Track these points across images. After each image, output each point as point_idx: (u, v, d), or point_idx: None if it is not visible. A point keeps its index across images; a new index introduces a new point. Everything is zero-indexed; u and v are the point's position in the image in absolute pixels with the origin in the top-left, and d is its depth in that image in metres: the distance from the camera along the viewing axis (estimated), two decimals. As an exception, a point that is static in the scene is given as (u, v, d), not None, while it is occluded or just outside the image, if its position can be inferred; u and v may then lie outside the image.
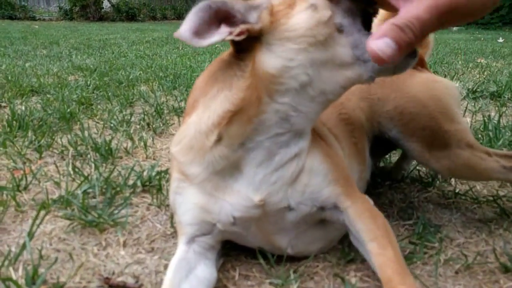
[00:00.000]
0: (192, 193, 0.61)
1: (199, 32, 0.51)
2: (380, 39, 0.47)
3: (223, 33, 0.52)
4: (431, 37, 0.96)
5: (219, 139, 0.57)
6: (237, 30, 0.52)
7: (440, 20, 0.46)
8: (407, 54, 0.52)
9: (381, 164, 1.14)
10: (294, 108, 0.57)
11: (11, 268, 0.63)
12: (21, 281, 0.60)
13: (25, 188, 0.92)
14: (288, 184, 0.60)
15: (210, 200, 0.60)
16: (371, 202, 0.68)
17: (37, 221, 0.73)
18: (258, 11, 0.54)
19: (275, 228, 0.63)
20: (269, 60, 0.54)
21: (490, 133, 1.33)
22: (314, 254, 0.70)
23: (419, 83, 0.85)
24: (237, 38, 0.52)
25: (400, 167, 1.06)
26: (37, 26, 8.59)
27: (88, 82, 2.22)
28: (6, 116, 1.50)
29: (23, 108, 1.63)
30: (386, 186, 1.02)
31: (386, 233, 0.61)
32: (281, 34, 0.54)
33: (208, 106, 0.58)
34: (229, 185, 0.60)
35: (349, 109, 0.82)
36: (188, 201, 0.61)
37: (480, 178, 0.88)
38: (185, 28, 0.50)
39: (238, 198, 0.59)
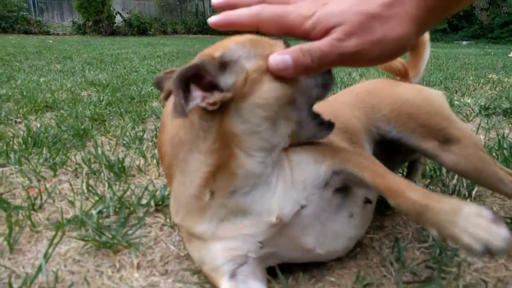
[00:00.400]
0: (211, 243, 0.62)
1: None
2: (282, 55, 0.53)
3: (196, 98, 0.52)
4: (422, 64, 0.99)
5: (212, 194, 0.59)
6: (211, 99, 0.53)
7: (342, 59, 0.51)
8: (325, 127, 0.65)
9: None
10: (271, 149, 0.60)
11: (26, 291, 0.63)
12: (37, 305, 0.60)
13: (40, 207, 0.93)
14: (290, 189, 0.62)
15: (230, 240, 0.61)
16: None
17: (53, 242, 0.73)
18: (233, 77, 0.55)
19: (299, 229, 0.64)
20: (236, 124, 0.56)
21: (505, 152, 1.31)
22: (340, 257, 0.72)
23: (410, 89, 0.89)
24: (210, 108, 0.53)
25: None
26: (51, 41, 8.79)
27: (101, 98, 2.25)
28: (22, 133, 1.53)
29: (38, 124, 1.66)
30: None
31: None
32: (252, 101, 0.56)
33: (184, 170, 0.60)
34: (241, 221, 0.61)
35: (345, 119, 0.84)
36: (212, 250, 0.62)
37: (486, 182, 0.83)
38: (176, 110, 0.50)
39: (256, 226, 0.60)
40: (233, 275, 0.62)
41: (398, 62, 0.95)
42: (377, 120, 0.85)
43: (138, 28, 14.83)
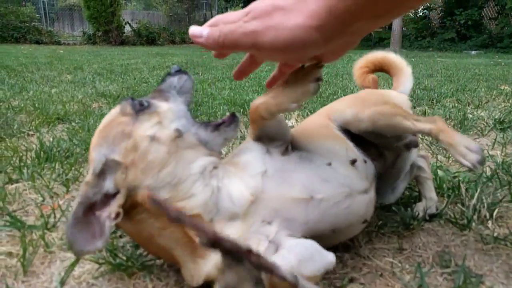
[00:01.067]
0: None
1: (86, 236, 0.58)
2: (202, 27, 0.60)
3: (108, 220, 0.60)
4: (406, 83, 1.19)
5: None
6: (113, 212, 0.60)
7: (243, 38, 0.56)
8: (227, 126, 0.73)
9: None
10: (200, 174, 0.67)
11: (40, 317, 0.62)
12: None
13: (54, 225, 0.92)
14: (242, 172, 0.72)
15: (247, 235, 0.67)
16: None
17: (68, 265, 0.72)
18: (112, 176, 0.62)
19: (279, 184, 0.73)
20: (162, 191, 0.64)
21: (524, 169, 1.28)
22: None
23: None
24: (118, 219, 0.61)
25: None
26: (62, 51, 8.91)
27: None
28: (34, 146, 1.53)
29: (51, 138, 1.66)
30: (417, 226, 0.98)
31: None
32: (145, 172, 0.63)
33: None
34: (237, 223, 0.67)
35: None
36: None
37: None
38: (75, 247, 0.57)
39: (249, 216, 0.68)
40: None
41: (371, 77, 1.23)
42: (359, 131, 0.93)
43: (147, 37, 15.01)
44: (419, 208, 1.02)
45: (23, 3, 16.14)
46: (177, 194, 0.63)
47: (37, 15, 15.75)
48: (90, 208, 0.60)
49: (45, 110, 2.22)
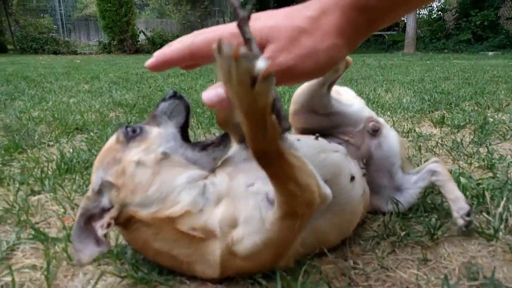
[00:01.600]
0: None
1: (88, 243, 0.68)
2: (213, 89, 0.55)
3: (97, 230, 0.69)
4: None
5: None
6: (105, 223, 0.69)
7: (277, 76, 0.51)
8: (216, 146, 0.79)
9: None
10: (188, 185, 0.74)
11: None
12: None
13: (76, 238, 0.93)
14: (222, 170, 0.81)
15: None
16: None
17: (92, 279, 0.72)
18: (107, 194, 0.72)
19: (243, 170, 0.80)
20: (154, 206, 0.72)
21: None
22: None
23: None
24: (112, 223, 0.70)
25: None
26: (78, 61, 9.10)
27: (129, 119, 2.29)
28: (55, 157, 1.56)
29: (70, 149, 1.69)
30: (441, 236, 0.95)
31: None
32: (134, 192, 0.71)
33: None
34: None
35: None
36: None
37: None
38: (79, 253, 0.67)
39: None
40: None
41: None
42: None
43: (161, 45, 14.95)
44: (454, 215, 0.96)
45: (42, 14, 16.58)
46: (165, 205, 0.71)
47: (54, 26, 16.16)
48: (89, 219, 0.70)
49: (64, 120, 2.26)
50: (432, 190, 1.22)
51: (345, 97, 1.12)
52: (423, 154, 1.61)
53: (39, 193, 1.20)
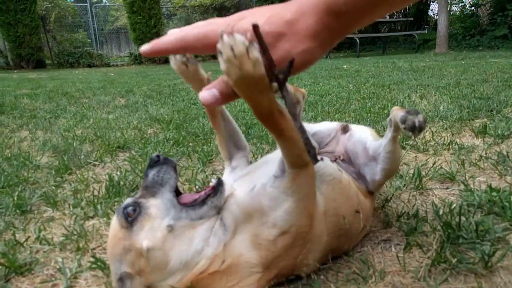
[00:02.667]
0: None
1: None
2: (209, 89, 0.59)
3: None
4: None
5: None
6: None
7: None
8: (206, 199, 0.79)
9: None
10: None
11: None
12: None
13: (132, 265, 0.97)
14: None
15: None
16: None
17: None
18: (130, 283, 0.73)
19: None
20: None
21: None
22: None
23: None
24: None
25: None
26: (112, 74, 9.43)
27: (167, 136, 2.36)
28: (102, 178, 1.64)
29: (116, 171, 1.76)
30: (495, 264, 0.93)
31: None
32: (154, 273, 0.74)
33: None
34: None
35: None
36: None
37: None
38: None
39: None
40: None
41: None
42: None
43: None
44: (399, 125, 0.98)
45: (76, 29, 17.33)
46: (190, 267, 0.75)
47: (88, 40, 16.84)
48: None
49: (106, 138, 2.36)
50: (481, 210, 1.19)
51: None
52: (467, 169, 1.57)
53: (92, 217, 1.27)
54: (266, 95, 0.63)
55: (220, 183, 0.81)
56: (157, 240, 0.73)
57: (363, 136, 1.19)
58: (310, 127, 1.26)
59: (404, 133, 0.96)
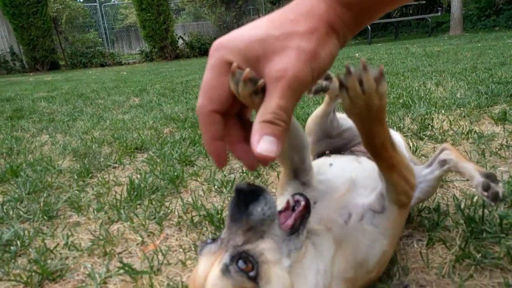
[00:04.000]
0: None
1: None
2: (261, 140, 0.47)
3: None
4: None
5: None
6: None
7: (296, 96, 0.48)
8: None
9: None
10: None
11: None
12: None
13: (158, 269, 1.00)
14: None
15: None
16: None
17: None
18: None
19: None
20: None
21: None
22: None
23: None
24: None
25: None
26: (125, 73, 9.53)
27: (183, 135, 2.38)
28: (122, 181, 1.67)
29: (136, 174, 1.79)
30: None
31: None
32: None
33: None
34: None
35: None
36: None
37: None
38: None
39: None
40: None
41: None
42: None
43: (199, 49, 15.53)
44: (477, 189, 0.92)
45: (87, 29, 17.52)
46: None
47: (99, 39, 17.01)
48: None
49: (123, 140, 2.40)
50: (505, 202, 1.17)
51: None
52: (487, 159, 1.54)
53: (116, 221, 1.30)
54: (384, 126, 0.63)
55: (308, 201, 0.69)
56: (285, 284, 0.60)
57: (399, 145, 1.13)
58: (347, 121, 1.16)
59: (484, 199, 0.91)
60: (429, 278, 0.89)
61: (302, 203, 0.68)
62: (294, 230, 0.65)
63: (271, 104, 0.47)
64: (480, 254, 0.93)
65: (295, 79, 0.47)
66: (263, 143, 0.47)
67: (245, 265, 0.58)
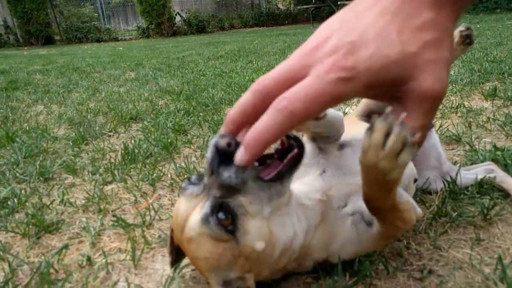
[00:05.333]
0: None
1: None
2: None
3: None
4: None
5: None
6: None
7: (436, 111, 0.46)
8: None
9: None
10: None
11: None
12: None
13: (150, 224, 1.04)
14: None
15: None
16: None
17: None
18: (235, 283, 0.64)
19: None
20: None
21: None
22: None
23: None
24: None
25: None
26: (121, 48, 9.42)
27: (178, 107, 2.40)
28: (117, 147, 1.71)
29: (130, 141, 1.82)
30: (494, 217, 0.97)
31: None
32: (261, 266, 0.66)
33: None
34: None
35: None
36: None
37: None
38: None
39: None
40: None
41: None
42: None
43: (197, 26, 15.32)
44: None
45: (83, 3, 17.18)
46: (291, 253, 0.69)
47: (95, 14, 16.72)
48: None
49: (119, 110, 2.42)
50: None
51: None
52: (473, 131, 1.59)
53: (111, 183, 1.34)
54: (391, 196, 0.61)
55: (303, 149, 0.64)
56: (266, 236, 0.63)
57: (438, 145, 1.16)
58: None
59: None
60: (406, 234, 0.94)
61: (295, 150, 0.63)
62: (279, 177, 0.63)
63: (416, 123, 0.45)
64: (456, 213, 0.98)
65: (440, 94, 0.43)
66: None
67: (225, 216, 0.60)
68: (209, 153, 0.59)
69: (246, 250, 0.62)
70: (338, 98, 0.43)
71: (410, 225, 0.74)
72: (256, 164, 0.63)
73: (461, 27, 1.01)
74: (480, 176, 1.10)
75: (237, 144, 0.53)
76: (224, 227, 0.60)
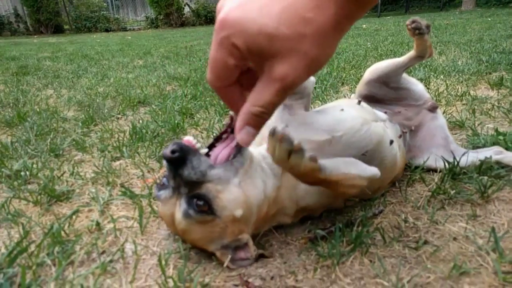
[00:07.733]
0: None
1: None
2: (242, 130, 0.54)
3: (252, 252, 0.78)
4: None
5: None
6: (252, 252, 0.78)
7: (288, 95, 0.50)
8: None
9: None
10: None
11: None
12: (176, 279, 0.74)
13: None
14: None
15: None
16: None
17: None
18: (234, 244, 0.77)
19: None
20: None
21: None
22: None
23: None
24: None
25: None
26: (130, 37, 9.46)
27: (185, 92, 2.44)
28: (126, 128, 1.75)
29: (138, 122, 1.86)
30: (492, 195, 0.99)
31: None
32: (247, 225, 0.78)
33: None
34: None
35: None
36: None
37: None
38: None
39: None
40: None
41: None
42: None
43: (206, 17, 15.29)
44: None
45: (92, -7, 17.21)
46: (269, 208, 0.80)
47: (104, 4, 16.75)
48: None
49: (127, 95, 2.46)
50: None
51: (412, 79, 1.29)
52: (477, 117, 1.60)
53: (119, 159, 1.38)
54: (315, 177, 0.71)
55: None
56: (242, 202, 0.72)
57: (445, 126, 1.22)
58: (408, 80, 1.25)
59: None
60: (405, 209, 0.97)
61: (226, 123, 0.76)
62: (237, 152, 0.73)
63: (264, 98, 0.50)
64: (454, 191, 1.00)
65: (293, 83, 0.48)
66: (243, 133, 0.54)
67: (201, 203, 0.71)
68: (164, 162, 0.74)
69: (229, 220, 0.72)
70: (225, 59, 0.48)
71: (359, 186, 0.79)
72: (206, 150, 0.73)
73: (407, 21, 1.13)
74: (479, 157, 1.12)
75: (181, 147, 0.68)
76: (205, 212, 0.71)
